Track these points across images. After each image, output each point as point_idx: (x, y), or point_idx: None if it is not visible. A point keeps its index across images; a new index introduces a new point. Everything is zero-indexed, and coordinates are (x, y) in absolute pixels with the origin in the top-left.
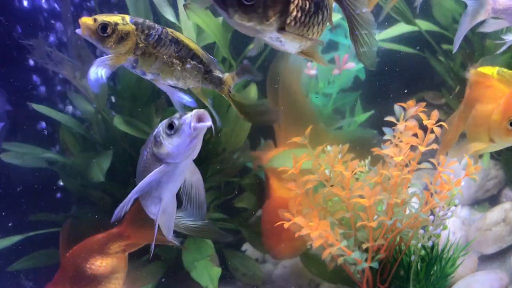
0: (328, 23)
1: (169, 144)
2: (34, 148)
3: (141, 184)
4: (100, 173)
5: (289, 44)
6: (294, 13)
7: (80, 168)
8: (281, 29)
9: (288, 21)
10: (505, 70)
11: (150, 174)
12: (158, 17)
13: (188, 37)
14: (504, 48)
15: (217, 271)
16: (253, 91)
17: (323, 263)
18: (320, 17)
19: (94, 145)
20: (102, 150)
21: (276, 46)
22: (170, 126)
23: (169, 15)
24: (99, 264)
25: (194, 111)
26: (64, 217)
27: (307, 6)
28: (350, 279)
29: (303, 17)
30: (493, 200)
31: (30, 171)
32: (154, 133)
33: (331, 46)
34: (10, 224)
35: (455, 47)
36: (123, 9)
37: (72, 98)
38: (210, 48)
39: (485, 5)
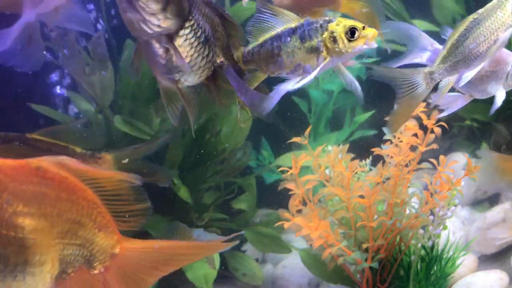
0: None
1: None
2: None
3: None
4: None
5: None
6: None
7: None
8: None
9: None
10: None
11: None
12: None
13: None
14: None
15: (212, 273)
16: None
17: (323, 263)
18: (206, 52)
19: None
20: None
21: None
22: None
23: None
24: None
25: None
26: None
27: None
28: (350, 279)
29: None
30: (493, 200)
31: None
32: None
33: None
34: None
35: None
36: None
37: (72, 97)
38: None
39: None
